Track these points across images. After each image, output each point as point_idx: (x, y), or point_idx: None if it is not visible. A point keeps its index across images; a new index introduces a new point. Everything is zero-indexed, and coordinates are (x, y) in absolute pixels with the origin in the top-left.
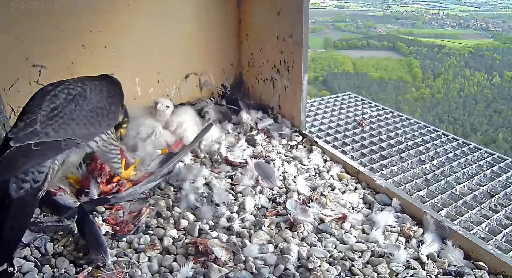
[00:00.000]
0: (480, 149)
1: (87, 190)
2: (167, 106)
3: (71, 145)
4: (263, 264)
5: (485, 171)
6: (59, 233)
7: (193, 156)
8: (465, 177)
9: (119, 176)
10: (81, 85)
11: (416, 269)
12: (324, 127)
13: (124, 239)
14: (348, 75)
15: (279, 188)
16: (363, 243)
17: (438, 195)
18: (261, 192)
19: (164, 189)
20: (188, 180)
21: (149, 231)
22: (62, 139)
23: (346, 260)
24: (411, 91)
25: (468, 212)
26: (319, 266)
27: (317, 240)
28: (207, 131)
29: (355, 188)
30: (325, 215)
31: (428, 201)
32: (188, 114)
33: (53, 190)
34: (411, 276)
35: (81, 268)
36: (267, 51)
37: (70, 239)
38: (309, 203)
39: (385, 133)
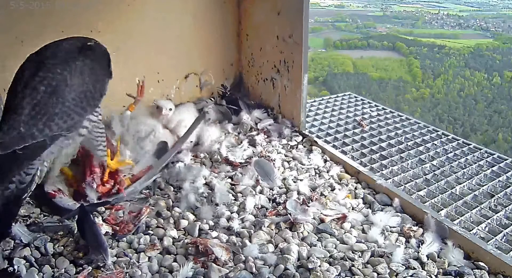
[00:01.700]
0: (480, 149)
1: (86, 197)
2: (170, 109)
3: (57, 139)
4: (263, 264)
5: (485, 171)
6: (59, 233)
7: (193, 156)
8: (465, 177)
9: (105, 165)
10: (60, 71)
11: (416, 269)
12: (324, 127)
13: (124, 239)
14: (348, 75)
15: (279, 188)
16: (363, 243)
17: (438, 195)
18: (261, 192)
19: (164, 189)
20: (188, 180)
21: (149, 231)
22: (48, 137)
23: (346, 260)
24: (411, 91)
25: (468, 212)
26: (319, 266)
27: (317, 240)
28: (199, 122)
29: (355, 188)
30: (325, 215)
31: (428, 201)
32: (190, 114)
33: (52, 192)
34: (411, 276)
35: (81, 268)
36: (267, 51)
37: (70, 239)
38: (309, 203)
39: (385, 133)
